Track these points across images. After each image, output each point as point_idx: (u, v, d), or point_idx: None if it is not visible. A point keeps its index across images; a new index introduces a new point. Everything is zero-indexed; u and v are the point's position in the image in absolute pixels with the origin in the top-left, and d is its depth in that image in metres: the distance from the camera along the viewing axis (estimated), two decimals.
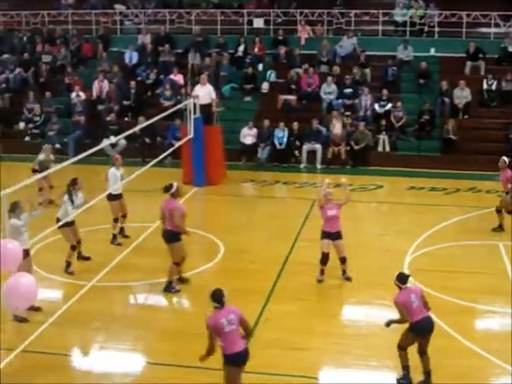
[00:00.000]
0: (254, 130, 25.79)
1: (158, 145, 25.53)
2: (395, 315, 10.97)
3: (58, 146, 26.60)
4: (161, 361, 11.86)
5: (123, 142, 25.53)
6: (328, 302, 14.55)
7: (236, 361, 9.74)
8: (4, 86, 30.06)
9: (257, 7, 31.60)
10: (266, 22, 31.11)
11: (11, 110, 29.33)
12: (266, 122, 25.79)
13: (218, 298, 9.90)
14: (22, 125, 28.51)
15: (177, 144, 22.96)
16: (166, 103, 26.87)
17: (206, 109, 22.72)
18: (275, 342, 12.35)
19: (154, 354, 12.22)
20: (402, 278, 11.02)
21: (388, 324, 11.16)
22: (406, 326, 10.92)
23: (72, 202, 15.17)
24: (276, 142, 25.47)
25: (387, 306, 12.29)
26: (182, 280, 14.92)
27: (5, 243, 10.99)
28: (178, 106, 22.93)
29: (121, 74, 29.33)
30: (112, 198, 17.24)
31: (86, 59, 31.36)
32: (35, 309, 13.50)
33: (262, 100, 28.17)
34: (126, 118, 27.59)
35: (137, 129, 21.73)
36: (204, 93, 22.84)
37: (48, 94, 28.79)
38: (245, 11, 31.22)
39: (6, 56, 31.36)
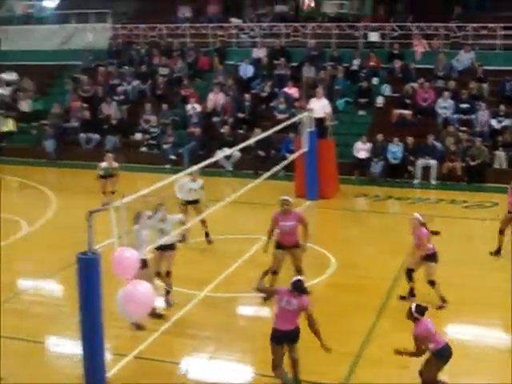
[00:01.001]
0: (368, 145, 25.63)
1: (271, 157, 25.66)
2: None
3: (173, 157, 27.13)
4: (269, 373, 11.86)
5: (237, 154, 25.79)
6: (441, 320, 14.28)
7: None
8: (122, 97, 30.77)
9: (372, 21, 31.41)
10: (382, 36, 30.91)
11: (129, 121, 30.01)
12: (380, 137, 25.60)
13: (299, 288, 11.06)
14: (138, 135, 29.13)
15: (290, 157, 23.02)
16: (281, 116, 27.00)
17: (320, 122, 22.73)
18: (383, 360, 12.21)
19: (263, 365, 12.23)
20: (422, 310, 10.85)
21: (401, 353, 10.98)
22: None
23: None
24: (390, 156, 25.25)
25: (503, 327, 12.01)
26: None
27: (122, 251, 11.22)
28: (293, 120, 22.99)
29: (236, 86, 29.65)
30: (185, 203, 17.83)
31: (202, 72, 31.82)
32: (158, 316, 13.76)
33: (376, 114, 27.98)
34: (241, 131, 27.85)
35: (252, 141, 21.89)
36: (319, 106, 22.87)
37: (164, 105, 29.35)
38: (360, 25, 31.09)
39: (124, 68, 32.11)
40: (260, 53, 31.10)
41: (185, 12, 34.74)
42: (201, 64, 31.96)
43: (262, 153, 25.92)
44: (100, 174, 22.00)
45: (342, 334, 13.27)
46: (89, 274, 11.06)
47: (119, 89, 31.04)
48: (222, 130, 27.65)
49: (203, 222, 17.80)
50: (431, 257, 14.35)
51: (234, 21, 33.51)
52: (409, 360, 12.08)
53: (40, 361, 12.73)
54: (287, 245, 14.70)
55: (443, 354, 10.69)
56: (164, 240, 13.91)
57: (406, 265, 14.80)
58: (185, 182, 17.82)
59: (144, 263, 12.78)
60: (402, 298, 14.67)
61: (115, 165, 22.11)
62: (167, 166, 26.91)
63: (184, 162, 26.55)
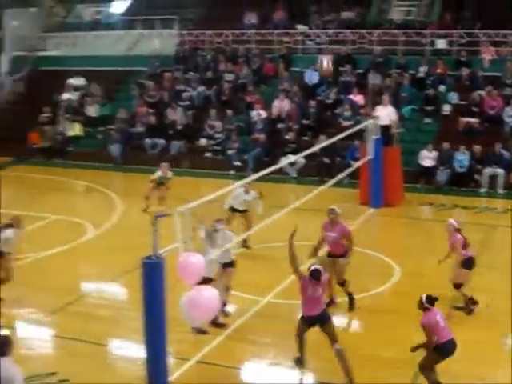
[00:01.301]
0: (434, 153, 25.35)
1: (336, 164, 25.55)
2: None
3: (237, 163, 27.19)
4: (334, 381, 11.78)
5: (301, 161, 25.74)
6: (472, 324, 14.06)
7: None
8: (188, 103, 30.96)
9: (439, 28, 31.08)
10: (449, 43, 30.57)
11: (194, 127, 30.16)
12: (446, 145, 25.30)
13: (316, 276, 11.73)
14: (203, 141, 29.26)
15: (355, 164, 22.89)
16: (346, 123, 26.89)
17: (385, 130, 22.57)
18: (449, 370, 12.01)
19: (324, 374, 12.17)
20: (432, 300, 11.19)
21: (415, 349, 11.22)
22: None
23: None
24: (456, 165, 24.93)
25: None
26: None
27: (187, 256, 11.23)
28: (358, 127, 22.87)
29: (301, 93, 29.60)
30: (233, 210, 18.19)
31: (268, 78, 31.84)
32: (220, 325, 13.80)
33: (442, 122, 27.65)
34: (305, 137, 27.80)
35: (317, 148, 21.81)
36: (385, 114, 22.71)
37: (229, 111, 29.45)
38: (427, 32, 30.79)
39: (190, 74, 32.31)
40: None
41: (251, 18, 34.81)
42: (266, 70, 31.99)
43: (326, 160, 25.81)
44: (152, 180, 22.14)
45: (404, 342, 13.09)
46: (153, 278, 11.12)
47: (185, 94, 31.22)
48: (287, 137, 27.64)
49: (249, 227, 17.90)
50: (464, 262, 14.30)
51: (300, 27, 33.46)
52: (481, 370, 11.89)
53: (103, 363, 12.84)
54: (332, 254, 14.77)
55: (444, 348, 10.98)
56: (225, 257, 14.03)
57: (451, 280, 14.52)
58: (241, 193, 17.93)
59: (208, 281, 12.71)
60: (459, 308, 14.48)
61: (169, 174, 22.19)
62: (231, 172, 26.99)
63: (248, 168, 26.61)
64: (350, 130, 22.18)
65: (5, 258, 15.43)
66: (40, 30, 38.73)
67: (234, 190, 17.73)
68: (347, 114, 27.61)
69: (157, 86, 32.19)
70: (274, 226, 17.24)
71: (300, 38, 32.75)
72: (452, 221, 14.80)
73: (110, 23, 36.86)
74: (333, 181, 19.83)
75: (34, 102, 33.77)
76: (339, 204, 15.16)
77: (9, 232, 15.21)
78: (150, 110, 30.85)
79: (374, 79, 29.19)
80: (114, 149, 29.64)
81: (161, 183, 22.12)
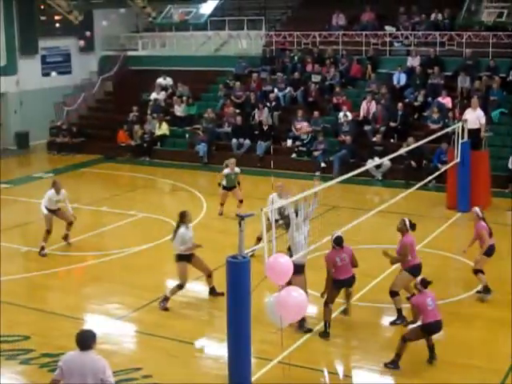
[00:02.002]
0: None
1: (423, 168, 25.28)
2: None
3: (323, 164, 27.15)
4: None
5: (388, 164, 25.55)
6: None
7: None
8: (274, 103, 31.01)
9: None
10: None
11: (280, 128, 30.21)
12: None
13: (338, 242, 13.55)
14: (289, 142, 29.28)
15: (443, 168, 22.60)
16: (433, 126, 26.58)
17: (474, 133, 22.23)
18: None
19: (412, 379, 12.06)
20: (425, 283, 12.26)
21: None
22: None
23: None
24: None
25: None
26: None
27: (276, 257, 11.23)
28: (446, 130, 22.56)
29: (388, 95, 29.36)
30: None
31: (355, 80, 31.70)
32: (307, 330, 13.80)
33: None
34: (392, 140, 27.58)
35: (403, 151, 21.62)
36: (473, 117, 22.34)
37: (316, 113, 29.38)
38: None
39: (277, 75, 32.36)
40: (414, 61, 30.70)
41: (339, 20, 34.70)
42: (353, 72, 31.83)
43: (413, 163, 25.53)
44: (223, 184, 21.74)
45: (490, 350, 12.95)
46: (238, 277, 11.18)
47: (271, 95, 31.28)
48: (374, 139, 27.47)
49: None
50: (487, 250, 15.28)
51: (388, 29, 33.21)
52: None
53: (186, 361, 12.96)
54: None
55: (428, 328, 12.16)
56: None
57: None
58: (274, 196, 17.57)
59: (300, 269, 13.01)
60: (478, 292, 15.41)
61: (237, 170, 21.84)
62: (317, 174, 26.92)
63: (334, 169, 26.50)
64: (438, 133, 21.92)
65: (57, 213, 19.01)
66: (130, 30, 39.40)
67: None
68: (435, 116, 27.25)
69: (243, 87, 32.34)
70: (355, 229, 17.15)
71: (388, 39, 32.50)
72: (476, 209, 15.60)
73: (198, 24, 37.16)
74: (420, 184, 19.62)
75: (122, 102, 34.37)
76: (425, 208, 14.95)
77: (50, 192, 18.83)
78: (237, 111, 31.01)
79: (463, 82, 28.78)
80: (201, 148, 29.86)
81: (230, 188, 21.88)
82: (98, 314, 15.04)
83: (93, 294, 16.11)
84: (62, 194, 18.92)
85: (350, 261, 13.69)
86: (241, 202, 21.59)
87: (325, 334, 13.50)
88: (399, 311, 14.16)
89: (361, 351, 13.12)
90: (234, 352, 11.50)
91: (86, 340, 8.96)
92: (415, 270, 14.00)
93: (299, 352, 12.85)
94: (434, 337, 12.58)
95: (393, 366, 12.16)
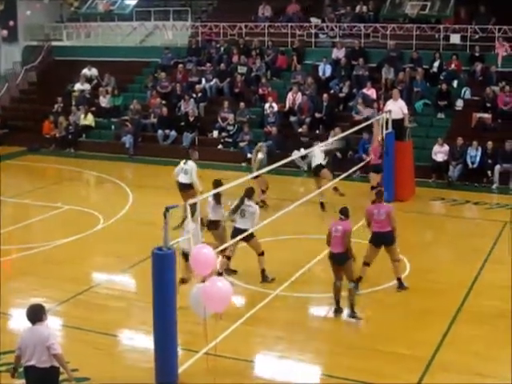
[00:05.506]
0: (446, 147, 25.23)
1: (348, 159, 25.53)
2: None
3: (249, 155, 27.16)
4: (341, 375, 11.80)
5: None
6: None
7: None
8: (200, 95, 30.94)
9: (454, 23, 30.96)
10: (463, 38, 30.44)
11: (206, 119, 30.17)
12: (459, 140, 25.15)
13: (344, 212, 14.08)
14: (215, 133, 29.28)
15: (367, 158, 22.85)
16: (358, 117, 26.86)
17: (398, 124, 22.50)
18: (456, 366, 12.04)
19: (332, 366, 12.20)
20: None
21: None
22: None
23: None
24: (468, 160, 24.83)
25: None
26: None
27: (199, 248, 11.32)
28: (370, 121, 22.80)
29: (314, 86, 29.55)
30: None
31: (281, 71, 31.80)
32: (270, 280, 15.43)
33: (455, 117, 27.54)
34: (317, 131, 27.76)
35: (329, 141, 21.77)
36: (396, 107, 22.62)
37: (242, 104, 29.42)
38: (441, 27, 30.68)
39: (203, 66, 32.30)
40: (339, 53, 30.94)
41: (265, 11, 34.76)
42: (279, 63, 31.95)
43: (339, 154, 25.68)
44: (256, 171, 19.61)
45: (413, 338, 13.15)
46: (164, 269, 11.16)
47: (197, 86, 31.20)
48: (300, 130, 27.62)
49: None
50: None
51: (314, 20, 33.40)
52: (483, 366, 11.96)
53: (112, 354, 12.88)
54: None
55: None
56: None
57: None
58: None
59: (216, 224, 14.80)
60: None
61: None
62: (243, 164, 26.98)
63: None
64: (363, 124, 22.15)
65: None
66: (54, 20, 38.84)
67: None
68: (360, 107, 27.53)
69: (169, 78, 32.19)
70: (285, 219, 17.26)
71: (313, 31, 32.68)
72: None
73: (123, 14, 36.83)
74: (344, 175, 19.80)
75: (46, 93, 33.86)
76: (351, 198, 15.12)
77: None
78: (163, 102, 30.85)
79: (387, 73, 29.13)
80: (127, 140, 29.64)
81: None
82: (23, 308, 14.79)
83: (18, 288, 15.85)
84: None
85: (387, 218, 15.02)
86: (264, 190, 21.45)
87: (355, 286, 14.47)
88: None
89: (286, 341, 13.18)
90: (160, 343, 11.46)
91: (34, 314, 10.02)
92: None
93: (225, 343, 12.82)
94: (357, 327, 12.78)
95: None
